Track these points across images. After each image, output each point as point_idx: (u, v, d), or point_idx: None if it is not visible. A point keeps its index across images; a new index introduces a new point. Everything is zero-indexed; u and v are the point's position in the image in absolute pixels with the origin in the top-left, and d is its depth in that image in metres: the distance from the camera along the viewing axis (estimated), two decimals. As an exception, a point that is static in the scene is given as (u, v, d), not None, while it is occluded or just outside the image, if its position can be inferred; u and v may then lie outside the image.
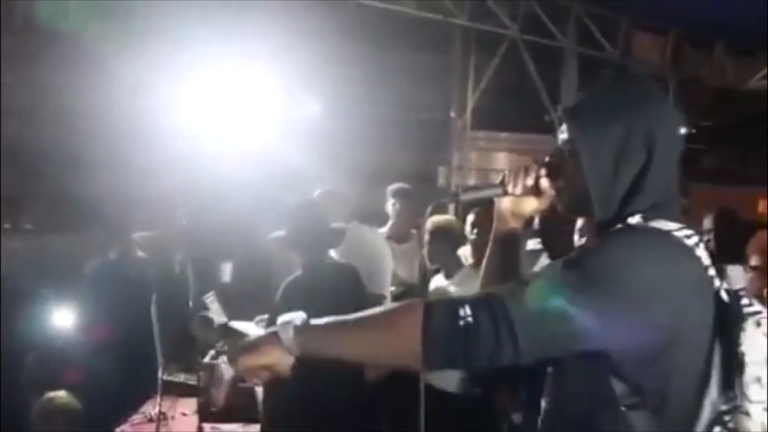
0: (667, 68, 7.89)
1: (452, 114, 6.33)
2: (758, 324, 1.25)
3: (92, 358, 4.08)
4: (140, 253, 4.45)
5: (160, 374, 3.10)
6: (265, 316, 4.24)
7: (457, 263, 3.71)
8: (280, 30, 6.08)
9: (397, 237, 4.34)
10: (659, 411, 1.23)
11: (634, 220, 1.30)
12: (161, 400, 3.07)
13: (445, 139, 6.50)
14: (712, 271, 1.27)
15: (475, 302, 1.21)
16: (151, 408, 3.51)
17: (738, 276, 3.41)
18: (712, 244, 3.79)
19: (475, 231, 3.71)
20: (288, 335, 1.27)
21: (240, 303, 4.97)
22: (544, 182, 1.46)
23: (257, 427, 3.45)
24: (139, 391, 3.86)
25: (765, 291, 2.76)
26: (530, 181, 1.48)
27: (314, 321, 1.30)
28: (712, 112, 10.03)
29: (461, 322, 1.18)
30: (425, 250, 3.74)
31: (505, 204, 1.54)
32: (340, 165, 6.03)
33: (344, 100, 6.90)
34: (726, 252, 3.68)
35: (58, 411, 3.66)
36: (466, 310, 1.19)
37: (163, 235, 4.32)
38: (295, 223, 3.16)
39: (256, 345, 1.31)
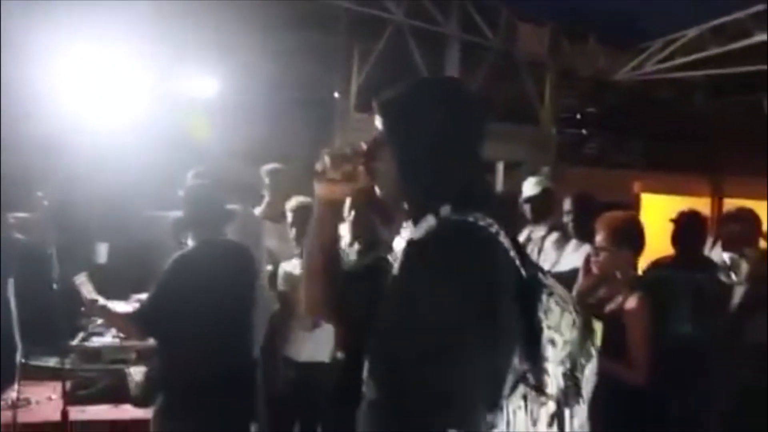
0: (546, 57, 8.24)
1: (336, 94, 6.36)
2: (550, 294, 1.42)
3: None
4: (18, 236, 4.28)
5: (18, 359, 3.00)
6: (142, 296, 4.23)
7: None
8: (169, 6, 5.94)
9: (271, 216, 4.38)
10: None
11: (445, 211, 1.41)
12: (20, 385, 2.98)
13: (329, 120, 6.54)
14: (512, 253, 1.40)
15: None
16: (12, 393, 3.41)
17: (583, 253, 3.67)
18: (570, 225, 4.04)
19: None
20: None
21: (116, 284, 4.88)
22: (361, 169, 1.53)
23: (126, 407, 3.42)
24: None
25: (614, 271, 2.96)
26: (348, 167, 1.54)
27: None
28: (592, 99, 10.56)
29: None
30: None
31: (321, 189, 1.59)
32: (222, 144, 5.98)
33: (231, 78, 6.82)
34: (581, 230, 3.95)
35: None
36: None
37: (33, 217, 4.17)
38: (192, 203, 3.14)
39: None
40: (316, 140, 6.83)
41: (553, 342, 1.41)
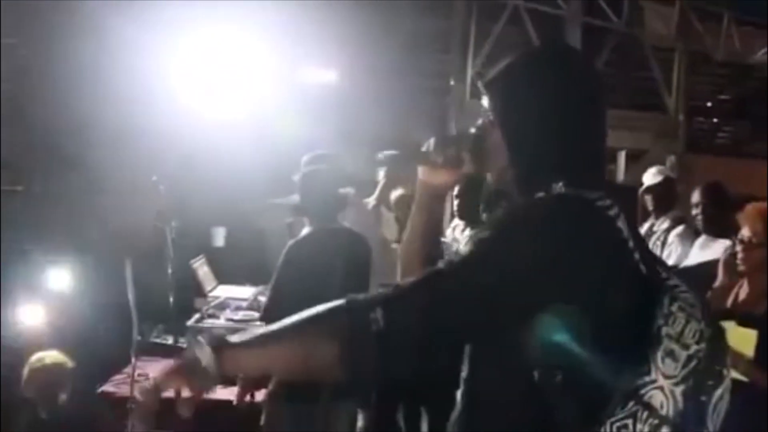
0: (675, 40, 7.76)
1: (452, 82, 6.27)
2: (674, 298, 1.22)
3: (79, 320, 4.17)
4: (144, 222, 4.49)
5: (135, 336, 3.12)
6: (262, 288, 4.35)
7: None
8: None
9: (386, 202, 4.38)
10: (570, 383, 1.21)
11: (557, 187, 1.27)
12: (139, 360, 3.10)
13: (446, 107, 6.45)
14: (631, 243, 1.23)
15: (388, 301, 1.20)
16: (130, 368, 3.56)
17: (717, 249, 3.40)
18: (700, 218, 3.76)
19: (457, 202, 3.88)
20: (207, 357, 1.18)
21: (232, 268, 5.03)
22: (466, 153, 1.43)
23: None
24: (123, 352, 3.94)
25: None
26: (452, 151, 1.44)
27: (232, 338, 1.24)
28: (726, 85, 9.91)
29: (373, 327, 1.17)
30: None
31: (423, 173, 1.51)
32: (339, 132, 6.02)
33: (349, 67, 6.86)
34: (712, 224, 3.66)
35: (50, 368, 3.73)
36: (377, 313, 1.18)
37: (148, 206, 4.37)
38: (307, 189, 3.17)
39: (175, 370, 1.22)
40: (433, 128, 6.78)
41: (673, 354, 1.20)
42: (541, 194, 1.27)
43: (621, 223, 1.23)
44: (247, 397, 3.07)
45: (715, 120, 10.98)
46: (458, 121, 6.01)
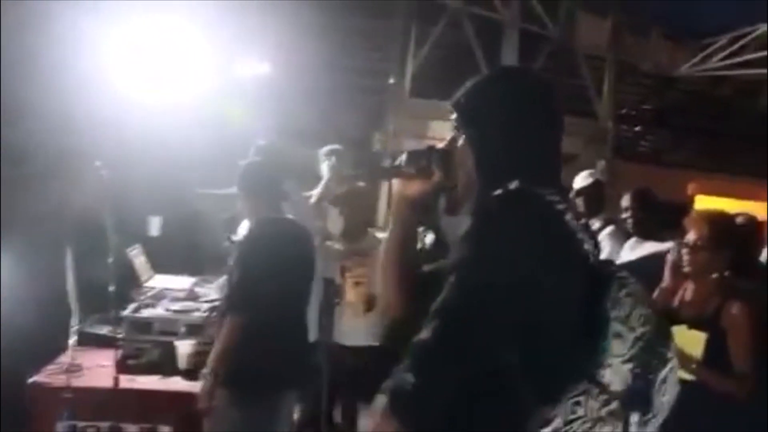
0: (606, 50, 8.05)
1: (391, 80, 6.32)
2: (622, 285, 1.34)
3: (8, 309, 4.01)
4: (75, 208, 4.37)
5: (73, 325, 3.04)
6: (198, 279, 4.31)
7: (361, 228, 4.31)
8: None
9: (328, 197, 4.40)
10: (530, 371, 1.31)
11: (513, 185, 1.39)
12: (74, 351, 3.02)
13: (384, 104, 6.51)
14: (580, 235, 1.36)
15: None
16: (67, 359, 3.47)
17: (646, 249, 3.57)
18: (630, 221, 3.93)
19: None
20: None
21: (168, 257, 4.95)
22: (435, 166, 1.55)
23: (176, 379, 3.45)
24: (56, 342, 3.83)
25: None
26: (424, 163, 1.56)
27: None
28: (650, 95, 10.32)
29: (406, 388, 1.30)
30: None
31: (398, 185, 1.61)
32: (277, 125, 6.00)
33: (288, 61, 6.83)
34: (641, 227, 3.85)
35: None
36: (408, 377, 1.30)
37: (88, 191, 4.24)
38: (251, 181, 3.17)
39: None
40: (370, 124, 6.83)
41: (620, 335, 1.32)
42: (498, 192, 1.39)
43: (569, 216, 1.37)
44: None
45: (637, 128, 11.43)
46: (397, 118, 6.07)
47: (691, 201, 9.34)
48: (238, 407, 2.94)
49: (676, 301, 2.92)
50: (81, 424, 3.21)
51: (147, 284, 4.31)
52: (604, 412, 1.30)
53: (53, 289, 3.87)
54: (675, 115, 10.39)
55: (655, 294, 2.90)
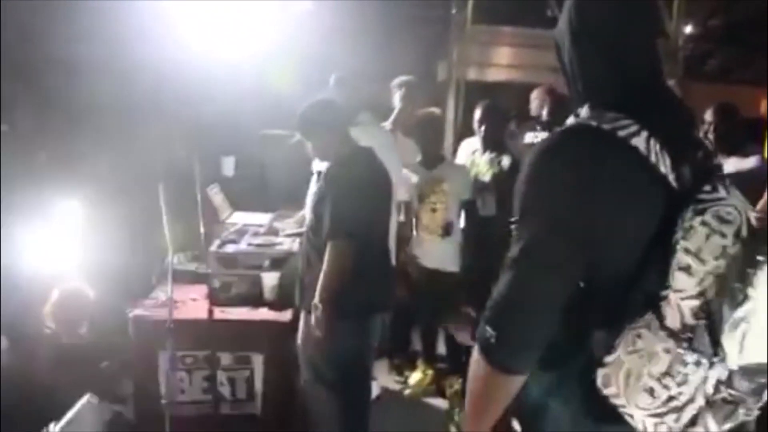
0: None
1: (453, 10, 6.21)
2: (698, 212, 1.24)
3: (102, 249, 4.20)
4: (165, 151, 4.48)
5: (169, 260, 3.17)
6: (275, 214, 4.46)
7: (437, 155, 4.45)
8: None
9: (403, 128, 4.41)
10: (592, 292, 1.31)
11: (583, 112, 1.39)
12: (172, 285, 3.15)
13: (446, 34, 6.41)
14: (654, 158, 1.28)
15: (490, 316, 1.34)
16: (161, 294, 3.63)
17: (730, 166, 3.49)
18: (711, 136, 3.83)
19: (482, 128, 4.13)
20: None
21: (242, 196, 5.07)
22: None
23: (263, 310, 3.58)
24: (149, 277, 4.01)
25: None
26: None
27: None
28: (718, 11, 9.84)
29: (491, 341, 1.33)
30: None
31: None
32: (338, 61, 5.96)
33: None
34: (724, 143, 3.75)
35: (72, 299, 3.79)
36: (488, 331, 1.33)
37: (169, 133, 4.36)
38: (321, 117, 3.19)
39: None
40: (435, 55, 6.76)
41: (688, 269, 1.22)
42: (570, 119, 1.40)
43: (638, 140, 1.28)
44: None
45: (706, 46, 10.95)
46: (460, 46, 5.98)
47: (766, 118, 9.00)
48: (333, 332, 3.03)
49: None
50: (180, 353, 3.38)
51: (228, 221, 4.43)
52: (660, 347, 1.23)
53: (142, 227, 4.04)
54: (744, 30, 9.91)
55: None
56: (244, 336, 3.50)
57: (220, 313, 3.46)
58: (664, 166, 1.27)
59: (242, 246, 3.92)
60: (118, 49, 5.68)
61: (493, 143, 4.44)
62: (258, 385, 3.52)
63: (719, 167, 1.38)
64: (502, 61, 7.02)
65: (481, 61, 6.75)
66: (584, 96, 1.40)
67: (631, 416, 1.27)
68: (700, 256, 1.21)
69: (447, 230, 4.31)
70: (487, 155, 4.46)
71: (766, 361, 1.23)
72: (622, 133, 1.27)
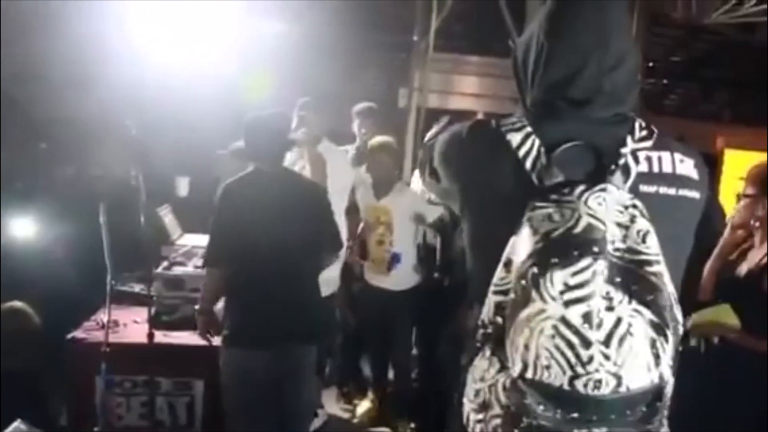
0: (635, -1, 7.82)
1: (415, 37, 6.26)
2: (533, 208, 1.21)
3: (46, 269, 4.10)
4: (98, 171, 4.43)
5: (108, 282, 3.10)
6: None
7: (388, 184, 4.30)
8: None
9: (363, 157, 4.43)
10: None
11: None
12: (110, 308, 3.09)
13: (408, 61, 6.46)
14: (522, 153, 1.31)
15: None
16: (102, 315, 3.55)
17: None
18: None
19: None
20: None
21: (195, 217, 5.00)
22: None
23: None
24: (91, 300, 3.91)
25: (752, 220, 2.78)
26: None
27: None
28: (678, 47, 10.08)
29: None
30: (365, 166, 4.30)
31: None
32: (301, 84, 5.97)
33: (307, 19, 6.78)
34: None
35: (13, 320, 3.68)
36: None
37: (118, 150, 4.29)
38: (251, 133, 3.14)
39: None
40: (395, 81, 6.80)
41: (508, 264, 1.21)
42: None
43: (515, 135, 1.34)
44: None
45: (665, 81, 11.19)
46: (422, 74, 6.03)
47: (721, 155, 9.18)
48: (233, 360, 3.05)
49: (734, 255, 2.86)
50: (118, 378, 3.30)
51: (177, 243, 4.38)
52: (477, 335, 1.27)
53: (88, 248, 3.95)
54: (704, 67, 10.15)
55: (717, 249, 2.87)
56: (186, 361, 3.43)
57: (161, 337, 3.39)
58: (531, 162, 1.29)
59: (189, 268, 3.86)
60: (78, 63, 5.65)
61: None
62: (199, 410, 3.45)
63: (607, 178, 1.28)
64: (463, 89, 7.09)
65: (443, 89, 6.80)
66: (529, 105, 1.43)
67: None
68: (516, 250, 1.18)
69: (391, 265, 4.25)
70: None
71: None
72: (503, 127, 1.35)
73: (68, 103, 5.24)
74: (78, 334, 3.44)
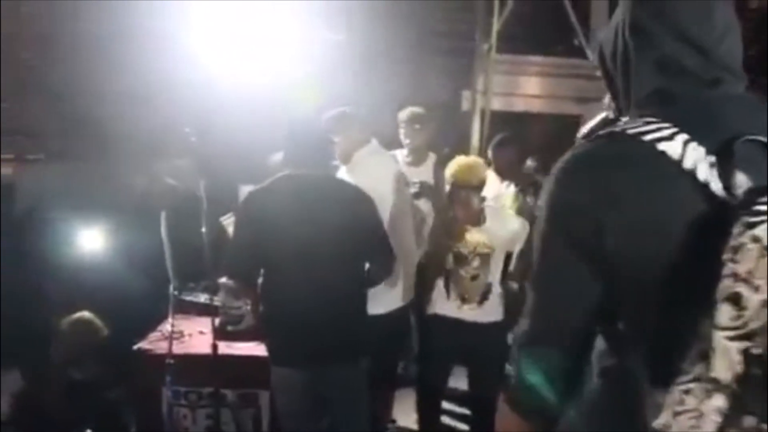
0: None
1: (476, 39, 6.13)
2: (748, 226, 0.95)
3: (112, 280, 4.15)
4: (169, 180, 4.46)
5: (171, 292, 3.09)
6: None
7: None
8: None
9: (414, 160, 4.32)
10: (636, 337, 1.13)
11: (618, 125, 1.20)
12: (174, 318, 3.07)
13: (471, 63, 6.33)
14: (689, 164, 1.06)
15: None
16: (168, 326, 3.54)
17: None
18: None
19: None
20: None
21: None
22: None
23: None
24: (157, 310, 3.93)
25: None
26: (606, 100, 1.37)
27: None
28: (751, 42, 9.64)
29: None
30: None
31: None
32: (363, 91, 5.92)
33: (368, 24, 6.74)
34: None
35: (82, 331, 3.72)
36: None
37: (188, 161, 4.32)
38: (289, 137, 3.03)
39: None
40: (459, 85, 6.71)
41: (736, 299, 0.93)
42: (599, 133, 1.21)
43: (669, 145, 1.08)
44: None
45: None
46: (485, 76, 5.89)
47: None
48: (277, 378, 2.99)
49: None
50: (183, 389, 3.28)
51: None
52: (708, 406, 0.95)
53: (152, 259, 3.97)
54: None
55: None
56: (251, 372, 3.38)
57: (225, 348, 3.36)
58: (705, 173, 1.05)
59: (253, 278, 3.81)
60: (140, 76, 5.74)
61: (510, 175, 4.31)
62: (265, 424, 3.40)
63: None
64: (527, 90, 6.92)
65: (506, 90, 6.65)
66: (633, 105, 1.23)
67: None
68: (752, 281, 0.92)
69: (485, 296, 3.70)
70: (512, 189, 4.33)
71: None
72: (648, 138, 1.09)
73: (129, 117, 5.32)
74: (144, 345, 3.44)
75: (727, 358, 0.93)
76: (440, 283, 3.70)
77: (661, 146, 1.08)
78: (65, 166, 5.73)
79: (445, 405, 4.18)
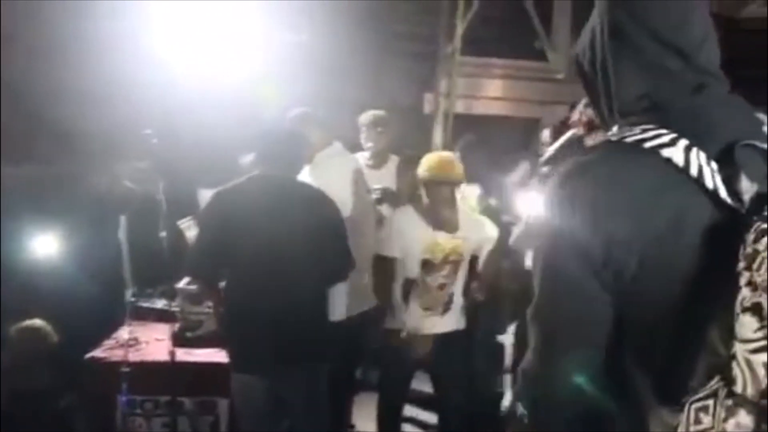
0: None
1: (440, 43, 6.13)
2: (763, 232, 0.92)
3: (66, 286, 4.03)
4: (128, 184, 4.35)
5: (128, 299, 3.00)
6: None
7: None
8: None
9: (375, 163, 4.29)
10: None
11: (611, 134, 1.16)
12: (130, 325, 2.98)
13: (433, 66, 6.33)
14: (695, 170, 1.02)
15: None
16: (124, 333, 3.44)
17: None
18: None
19: None
20: None
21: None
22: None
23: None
24: (113, 316, 3.82)
25: None
26: (576, 116, 1.34)
27: None
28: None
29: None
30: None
31: None
32: (324, 92, 5.87)
33: (331, 26, 6.70)
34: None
35: (30, 338, 3.60)
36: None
37: (147, 164, 4.22)
38: (260, 139, 3.02)
39: None
40: (422, 87, 6.70)
41: (757, 309, 0.90)
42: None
43: (672, 151, 1.04)
44: None
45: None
46: (447, 79, 5.89)
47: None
48: (237, 385, 2.95)
49: None
50: (139, 398, 3.19)
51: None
52: (730, 425, 0.92)
53: (108, 264, 3.86)
54: (740, 65, 9.86)
55: None
56: (210, 379, 3.30)
57: (183, 355, 3.27)
58: (712, 179, 1.02)
59: (212, 282, 3.73)
60: (100, 74, 5.61)
61: (476, 177, 4.27)
62: (223, 431, 3.32)
63: None
64: (490, 93, 6.94)
65: (469, 93, 6.66)
66: (617, 111, 1.17)
67: None
68: None
69: (447, 306, 3.56)
70: (477, 190, 4.29)
71: None
72: (648, 145, 1.06)
73: (89, 117, 5.19)
74: (98, 353, 3.33)
75: (750, 373, 0.90)
76: (400, 292, 3.52)
77: (665, 153, 1.05)
78: (20, 167, 5.58)
79: (407, 411, 4.13)
